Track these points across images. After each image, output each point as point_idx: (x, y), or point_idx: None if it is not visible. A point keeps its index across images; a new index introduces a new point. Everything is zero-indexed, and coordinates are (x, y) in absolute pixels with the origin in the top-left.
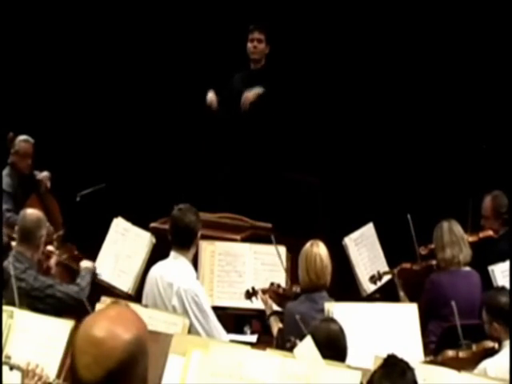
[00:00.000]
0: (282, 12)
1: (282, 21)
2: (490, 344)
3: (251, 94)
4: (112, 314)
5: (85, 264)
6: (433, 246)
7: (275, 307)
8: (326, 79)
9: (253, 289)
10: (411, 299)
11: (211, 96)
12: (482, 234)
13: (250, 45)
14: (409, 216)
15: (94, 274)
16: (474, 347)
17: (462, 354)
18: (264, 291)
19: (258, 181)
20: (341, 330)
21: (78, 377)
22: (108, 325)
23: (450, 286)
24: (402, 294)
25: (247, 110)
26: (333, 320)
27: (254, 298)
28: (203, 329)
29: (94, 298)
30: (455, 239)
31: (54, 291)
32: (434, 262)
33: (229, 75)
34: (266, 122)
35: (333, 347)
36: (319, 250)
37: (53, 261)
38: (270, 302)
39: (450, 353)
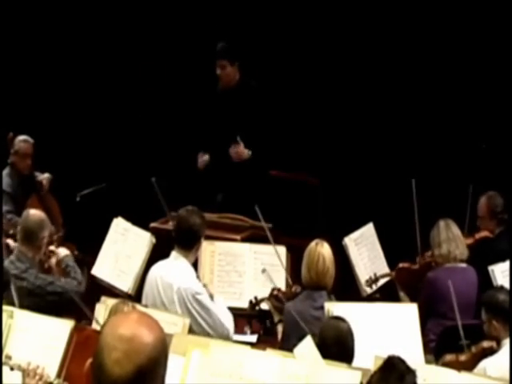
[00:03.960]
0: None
1: (273, 23)
2: (488, 344)
3: (242, 154)
4: (134, 316)
5: (63, 252)
6: (430, 253)
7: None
8: (324, 79)
9: (255, 298)
10: (411, 299)
11: (205, 159)
12: (477, 236)
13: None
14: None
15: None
16: (473, 348)
17: (461, 358)
18: (266, 299)
19: (258, 181)
20: (349, 330)
21: (107, 373)
22: (134, 325)
23: (447, 282)
24: (402, 294)
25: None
26: (342, 319)
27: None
28: (208, 325)
29: (93, 298)
30: (452, 236)
31: (55, 287)
32: (431, 260)
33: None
34: (266, 123)
35: (340, 345)
36: (323, 250)
37: (54, 261)
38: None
39: (449, 357)
